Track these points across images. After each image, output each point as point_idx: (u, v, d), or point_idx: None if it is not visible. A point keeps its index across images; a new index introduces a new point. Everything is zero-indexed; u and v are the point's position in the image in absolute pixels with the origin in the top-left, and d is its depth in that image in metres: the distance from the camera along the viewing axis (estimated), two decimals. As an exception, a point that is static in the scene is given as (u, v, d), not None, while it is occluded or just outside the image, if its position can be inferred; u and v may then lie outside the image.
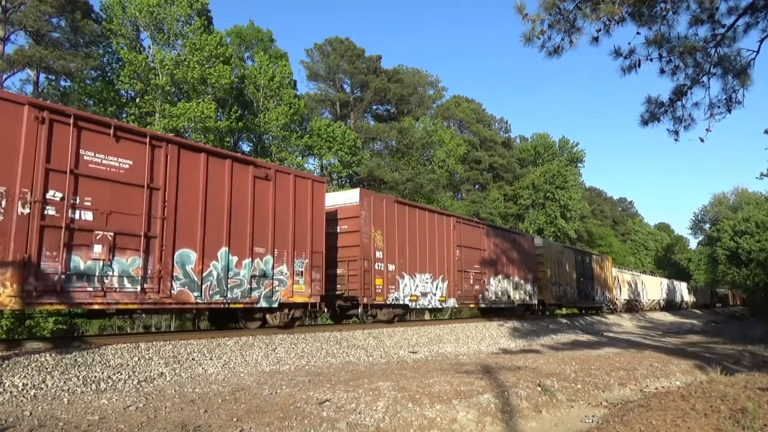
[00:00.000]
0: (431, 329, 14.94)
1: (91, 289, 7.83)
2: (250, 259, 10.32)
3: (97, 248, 7.95)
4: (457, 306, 17.30)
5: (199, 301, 9.30)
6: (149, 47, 23.62)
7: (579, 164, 57.93)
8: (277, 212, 11.02)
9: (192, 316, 17.53)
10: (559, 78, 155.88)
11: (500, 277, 19.53)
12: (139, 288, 8.40)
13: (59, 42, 22.65)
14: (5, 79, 21.77)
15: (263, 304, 10.59)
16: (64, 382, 6.63)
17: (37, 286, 7.23)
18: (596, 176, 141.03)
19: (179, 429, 5.10)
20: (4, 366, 6.57)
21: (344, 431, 5.48)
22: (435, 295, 15.87)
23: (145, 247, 8.53)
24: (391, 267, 14.24)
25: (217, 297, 9.63)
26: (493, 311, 20.75)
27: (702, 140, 9.37)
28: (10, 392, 6.07)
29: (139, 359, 7.85)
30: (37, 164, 7.45)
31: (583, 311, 29.22)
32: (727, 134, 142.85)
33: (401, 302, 14.50)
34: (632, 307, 36.60)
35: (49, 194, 7.54)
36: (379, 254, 13.87)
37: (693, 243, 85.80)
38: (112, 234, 8.14)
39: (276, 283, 10.85)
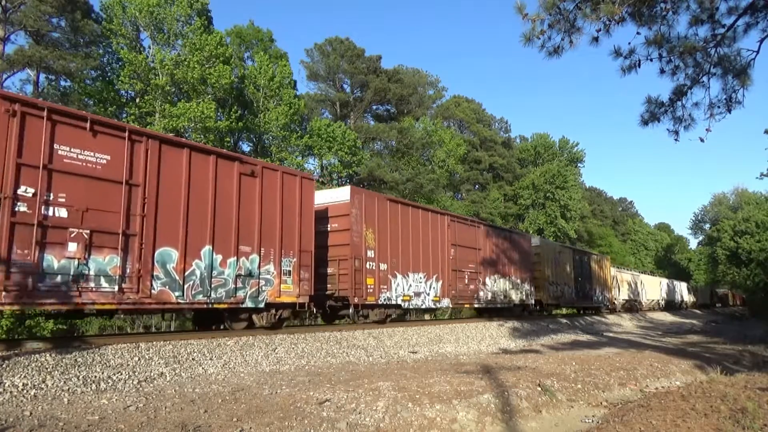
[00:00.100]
0: (431, 329, 14.94)
1: (65, 288, 7.55)
2: (236, 257, 10.04)
3: (72, 246, 7.66)
4: (451, 306, 17.09)
5: (180, 301, 9.04)
6: (149, 47, 23.63)
7: (579, 164, 57.95)
8: (264, 210, 10.75)
9: (191, 317, 17.43)
10: (559, 78, 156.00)
11: (496, 276, 19.35)
12: (116, 288, 8.12)
13: (59, 42, 22.65)
14: (5, 79, 21.79)
15: (249, 304, 10.32)
16: (64, 382, 6.63)
17: (7, 286, 6.98)
18: (596, 176, 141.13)
19: (179, 429, 5.10)
20: (4, 366, 6.57)
21: (344, 431, 5.49)
22: (429, 295, 15.66)
23: (123, 246, 8.27)
24: (383, 266, 13.99)
25: (200, 297, 9.36)
26: (489, 311, 20.59)
27: (702, 140, 9.37)
28: (10, 392, 6.07)
29: (139, 359, 7.85)
30: (7, 159, 7.18)
31: (582, 311, 29.14)
32: (727, 134, 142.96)
33: (394, 302, 14.26)
34: (631, 307, 36.49)
35: (21, 190, 7.27)
36: (370, 253, 13.63)
37: (693, 243, 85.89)
38: (88, 232, 7.85)
39: (262, 282, 10.57)
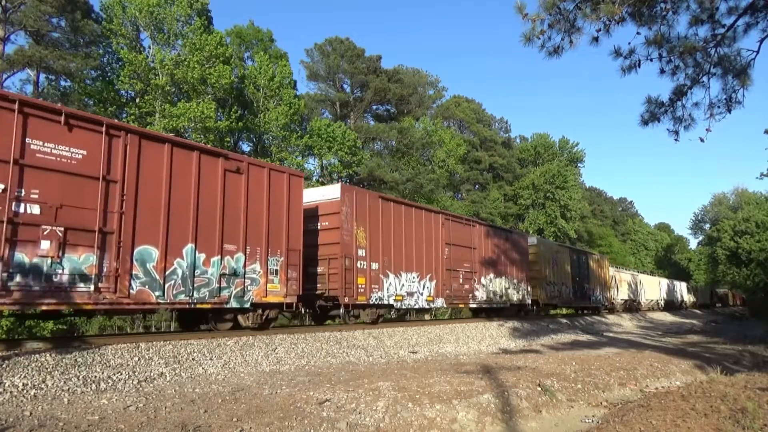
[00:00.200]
0: (431, 329, 14.94)
1: (37, 288, 7.28)
2: (220, 256, 9.80)
3: (45, 244, 7.40)
4: (446, 306, 16.86)
5: (161, 301, 8.80)
6: (149, 47, 23.62)
7: (579, 164, 57.94)
8: (250, 207, 10.50)
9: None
10: (559, 78, 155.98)
11: (492, 276, 19.13)
12: (92, 287, 7.86)
13: (59, 42, 22.65)
14: (5, 79, 21.79)
15: (234, 304, 10.07)
16: (64, 382, 6.63)
17: None
18: (596, 176, 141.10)
19: (179, 429, 5.10)
20: (4, 366, 6.57)
21: (344, 431, 5.48)
22: (422, 294, 15.42)
23: (100, 244, 8.01)
24: (375, 265, 13.75)
25: (182, 297, 9.11)
26: (485, 311, 20.40)
27: (702, 140, 9.37)
28: (10, 392, 6.07)
29: (139, 359, 7.85)
30: (-25, 153, 6.89)
31: (583, 311, 29.05)
32: (727, 134, 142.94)
33: (385, 302, 14.00)
34: (630, 307, 36.35)
35: (-10, 186, 6.98)
36: (361, 252, 13.38)
37: (693, 243, 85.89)
38: (62, 229, 7.58)
39: (248, 282, 10.33)
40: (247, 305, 10.35)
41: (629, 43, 8.96)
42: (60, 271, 7.54)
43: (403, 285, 14.67)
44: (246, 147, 29.77)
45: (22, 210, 7.31)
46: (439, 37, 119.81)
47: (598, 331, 22.73)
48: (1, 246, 7.01)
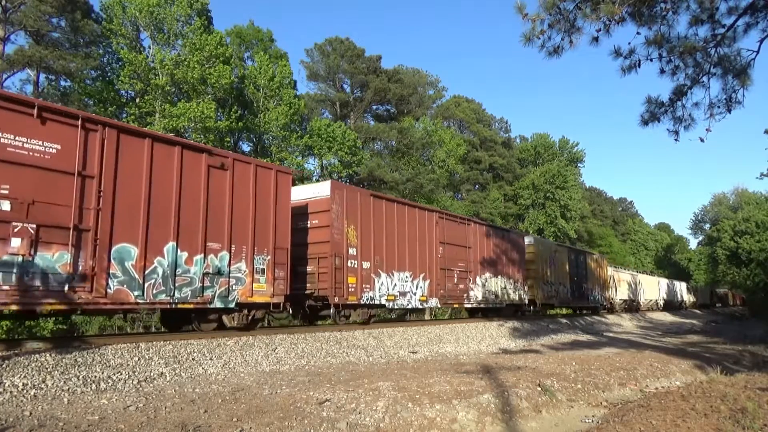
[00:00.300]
0: (431, 329, 14.93)
1: (7, 287, 6.99)
2: (203, 255, 9.49)
3: (16, 242, 7.12)
4: (440, 306, 16.60)
5: (140, 300, 8.51)
6: (149, 47, 23.62)
7: (579, 164, 57.95)
8: (235, 204, 10.21)
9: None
10: (559, 78, 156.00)
11: (488, 275, 18.89)
12: (67, 287, 7.57)
13: (59, 42, 22.66)
14: (5, 79, 21.79)
15: (218, 304, 9.77)
16: (64, 382, 6.63)
17: None
18: (596, 176, 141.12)
19: (179, 429, 5.10)
20: (4, 366, 6.57)
21: (344, 431, 5.48)
22: (415, 294, 15.15)
23: (75, 242, 7.72)
24: (366, 265, 13.47)
25: (163, 296, 8.82)
26: (480, 311, 20.20)
27: (702, 140, 9.37)
28: (10, 392, 6.07)
29: (139, 359, 7.85)
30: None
31: (583, 311, 28.94)
32: (727, 134, 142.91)
33: (377, 302, 13.71)
34: (629, 307, 36.20)
35: (-44, 181, 6.72)
36: (352, 251, 13.09)
37: (693, 243, 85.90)
38: (34, 226, 7.29)
39: (233, 281, 10.03)
40: (232, 305, 10.08)
41: (629, 43, 8.98)
42: (32, 270, 7.26)
43: (395, 285, 14.42)
44: (246, 147, 29.78)
45: (-10, 206, 6.99)
46: (439, 37, 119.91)
47: (597, 331, 22.73)
48: None
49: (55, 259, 7.54)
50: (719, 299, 69.86)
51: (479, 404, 6.65)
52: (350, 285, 12.90)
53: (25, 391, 6.16)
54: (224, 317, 10.49)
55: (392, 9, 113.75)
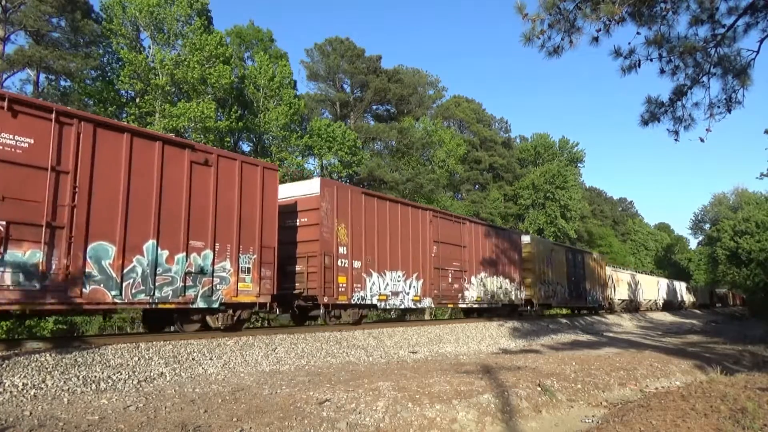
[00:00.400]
0: (431, 329, 14.93)
1: None
2: (185, 253, 9.21)
3: None
4: (433, 306, 16.33)
5: (118, 300, 8.24)
6: (149, 47, 23.63)
7: (579, 164, 57.97)
8: (219, 202, 9.92)
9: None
10: (559, 78, 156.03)
11: (483, 275, 18.62)
12: (38, 286, 7.30)
13: (59, 42, 22.67)
14: (5, 79, 21.80)
15: (201, 304, 9.48)
16: (64, 382, 6.63)
17: None
18: (596, 176, 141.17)
19: (179, 429, 5.10)
20: (4, 366, 6.57)
21: (344, 431, 5.49)
22: (408, 294, 14.87)
23: (48, 239, 7.44)
24: (357, 264, 13.19)
25: (142, 296, 8.55)
26: (475, 312, 19.96)
27: (702, 140, 9.38)
28: (10, 392, 6.07)
29: (139, 359, 7.85)
30: None
31: (578, 311, 28.74)
32: (727, 134, 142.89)
33: (368, 302, 13.43)
34: (628, 307, 35.99)
35: None
36: (342, 250, 12.80)
37: (693, 243, 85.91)
38: (3, 223, 7.05)
39: (217, 280, 9.76)
40: (216, 305, 9.81)
41: (629, 43, 8.98)
42: (1, 269, 7.02)
43: (387, 284, 14.15)
44: (246, 147, 29.79)
45: (-44, 202, 6.74)
46: (439, 37, 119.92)
47: (597, 331, 22.74)
48: None
49: (27, 257, 7.28)
50: (719, 299, 69.88)
51: (479, 404, 6.65)
52: (340, 284, 12.64)
53: (25, 391, 6.17)
54: (208, 317, 10.23)
55: (392, 9, 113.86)
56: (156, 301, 8.81)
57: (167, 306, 9.06)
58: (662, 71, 9.52)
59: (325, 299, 12.18)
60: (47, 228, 7.48)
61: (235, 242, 10.20)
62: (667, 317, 38.24)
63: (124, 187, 8.49)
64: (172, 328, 10.63)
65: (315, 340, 10.97)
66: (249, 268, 10.42)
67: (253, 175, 10.76)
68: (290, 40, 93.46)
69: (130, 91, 23.60)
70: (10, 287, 7.11)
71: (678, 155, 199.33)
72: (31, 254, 7.32)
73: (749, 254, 46.36)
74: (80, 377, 6.85)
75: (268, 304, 10.81)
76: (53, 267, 7.54)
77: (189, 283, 9.29)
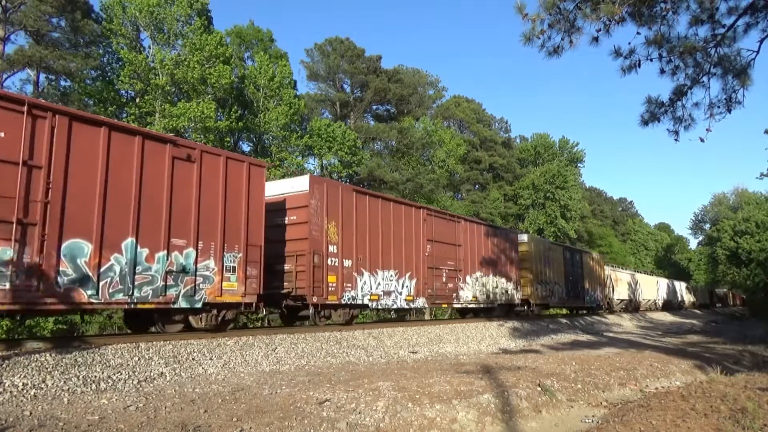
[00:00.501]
0: (431, 329, 14.93)
1: None
2: (166, 251, 8.92)
3: None
4: (427, 306, 16.10)
5: (94, 300, 7.94)
6: (149, 47, 23.64)
7: (579, 164, 58.01)
8: (203, 199, 9.61)
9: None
10: (559, 78, 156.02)
11: (478, 274, 18.32)
12: (8, 284, 7.03)
13: (59, 42, 22.68)
14: (5, 79, 21.80)
15: (183, 304, 9.18)
16: (64, 382, 6.63)
17: None
18: (596, 176, 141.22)
19: (179, 429, 5.10)
20: (4, 366, 6.57)
21: (344, 431, 5.49)
22: (401, 294, 14.58)
23: (19, 236, 7.18)
24: (348, 263, 12.89)
25: (120, 296, 8.25)
26: (471, 312, 19.74)
27: (702, 140, 9.39)
28: (10, 392, 6.07)
29: (139, 359, 7.85)
30: None
31: (578, 311, 28.57)
32: (727, 134, 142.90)
33: (359, 302, 13.14)
34: (626, 307, 35.81)
35: None
36: (332, 248, 12.50)
37: (693, 243, 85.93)
38: None
39: (200, 280, 9.45)
40: (199, 305, 9.49)
41: (629, 43, 8.99)
42: None
43: (379, 284, 13.86)
44: (246, 147, 29.80)
45: None
46: (439, 37, 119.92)
47: (597, 331, 22.74)
48: None
49: None
50: (719, 299, 69.90)
51: (479, 404, 6.65)
52: (330, 284, 12.37)
53: (25, 391, 6.16)
54: (191, 318, 9.91)
55: (392, 9, 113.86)
56: (135, 300, 8.54)
57: (147, 306, 8.78)
58: (662, 71, 9.53)
59: (315, 299, 11.91)
60: (18, 225, 7.23)
61: (219, 240, 9.90)
62: (667, 317, 38.24)
63: (101, 183, 8.20)
64: (154, 329, 10.35)
65: (315, 340, 10.97)
66: (234, 267, 10.15)
67: (238, 171, 10.47)
68: (290, 40, 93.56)
69: (130, 91, 23.62)
70: None
71: (678, 155, 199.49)
72: (2, 252, 7.07)
73: (749, 254, 46.38)
74: (80, 377, 6.85)
75: (254, 304, 10.55)
76: (24, 265, 7.30)
77: (170, 282, 9.01)
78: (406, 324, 15.98)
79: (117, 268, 8.28)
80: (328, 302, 12.35)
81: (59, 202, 7.68)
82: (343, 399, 6.36)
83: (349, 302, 12.91)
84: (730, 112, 9.57)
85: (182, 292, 9.20)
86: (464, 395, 6.83)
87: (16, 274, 7.17)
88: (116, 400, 6.20)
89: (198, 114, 21.64)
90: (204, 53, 22.91)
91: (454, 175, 43.79)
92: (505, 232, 21.68)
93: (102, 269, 8.08)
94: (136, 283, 8.50)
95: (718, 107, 9.55)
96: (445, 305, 17.33)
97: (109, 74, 23.93)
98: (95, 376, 6.99)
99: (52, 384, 6.50)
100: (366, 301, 13.43)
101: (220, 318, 10.16)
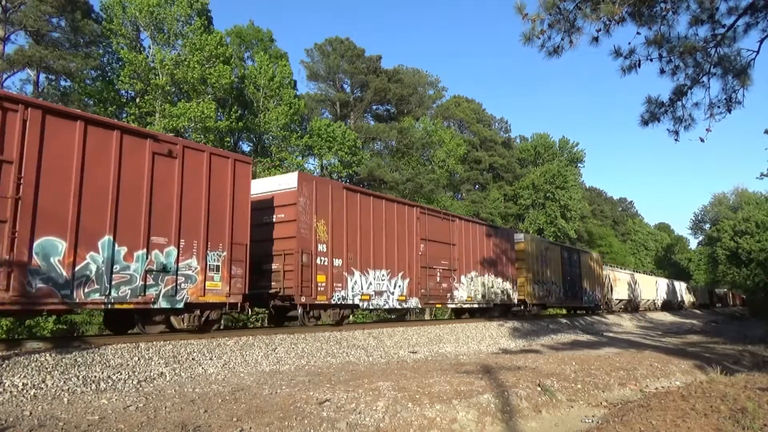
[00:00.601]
0: (431, 329, 14.93)
1: None
2: (145, 250, 8.63)
3: None
4: (420, 306, 15.87)
5: (68, 300, 7.65)
6: (149, 47, 23.65)
7: (579, 164, 58.02)
8: (185, 196, 9.31)
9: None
10: (559, 78, 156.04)
11: (473, 274, 18.05)
12: None
13: (59, 42, 22.68)
14: (5, 79, 21.80)
15: (163, 304, 8.88)
16: (64, 382, 6.63)
17: None
18: (596, 176, 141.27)
19: (179, 429, 5.10)
20: (4, 366, 6.57)
21: (344, 431, 5.49)
22: (393, 294, 14.32)
23: None
24: (338, 262, 12.62)
25: (96, 296, 7.96)
26: (466, 312, 19.55)
27: (702, 140, 9.40)
28: (10, 392, 6.07)
29: (139, 359, 7.85)
30: None
31: (580, 311, 28.51)
32: (727, 134, 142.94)
33: (350, 302, 12.86)
34: (625, 307, 35.65)
35: None
36: (322, 247, 12.22)
37: (693, 243, 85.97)
38: None
39: (181, 279, 9.15)
40: (181, 305, 9.19)
41: (629, 43, 9.00)
42: None
43: (370, 283, 13.57)
44: (246, 147, 29.81)
45: None
46: (439, 37, 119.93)
47: (597, 331, 22.74)
48: None
49: None
50: (719, 299, 69.89)
51: (479, 404, 6.65)
52: (319, 284, 12.08)
53: (25, 391, 6.16)
54: (172, 318, 9.60)
55: (392, 9, 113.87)
56: (112, 301, 8.23)
57: (125, 306, 8.47)
58: (662, 71, 9.54)
59: (303, 299, 11.64)
60: None
61: (202, 238, 9.59)
62: (667, 317, 38.24)
63: (76, 179, 7.87)
64: (135, 330, 10.05)
65: (315, 340, 10.97)
66: (218, 266, 9.83)
67: (223, 167, 10.16)
68: (290, 40, 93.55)
69: (130, 91, 23.63)
70: None
71: (678, 155, 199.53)
72: None
73: (749, 254, 46.41)
74: (80, 377, 6.85)
75: (239, 305, 10.26)
76: None
77: (150, 281, 8.71)
78: (406, 324, 15.98)
79: (93, 267, 7.97)
80: (317, 302, 12.10)
81: (31, 198, 7.40)
82: (343, 399, 6.36)
83: (339, 302, 12.66)
84: (730, 112, 9.59)
85: (163, 291, 8.91)
86: (464, 395, 6.83)
87: None
88: (116, 400, 6.20)
89: (198, 114, 21.65)
90: (204, 53, 22.91)
91: (454, 175, 43.80)
92: (501, 231, 21.41)
93: (77, 268, 7.78)
94: (113, 282, 8.21)
95: (718, 107, 9.56)
96: (439, 305, 17.06)
97: (109, 74, 23.94)
98: (95, 376, 6.99)
99: (52, 384, 6.50)
100: (357, 302, 13.17)
101: (203, 318, 9.89)
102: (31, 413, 5.48)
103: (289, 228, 11.93)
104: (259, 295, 11.66)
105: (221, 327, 11.80)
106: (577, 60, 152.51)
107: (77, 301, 7.80)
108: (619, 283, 35.44)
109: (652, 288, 43.09)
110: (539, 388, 7.71)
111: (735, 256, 48.51)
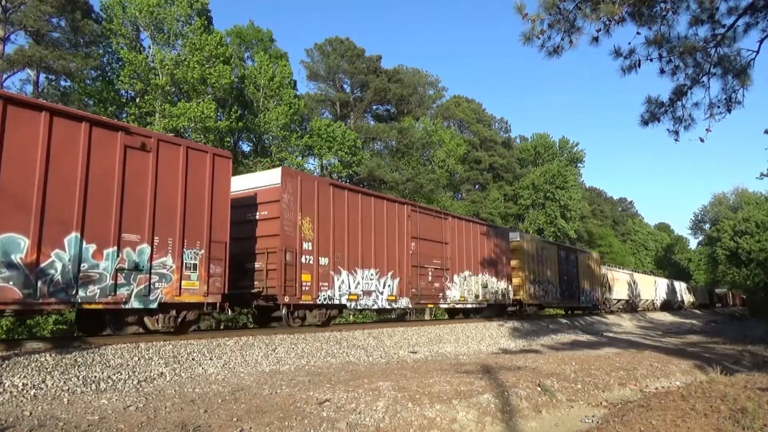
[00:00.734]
0: (431, 329, 14.94)
1: None
2: (116, 247, 8.26)
3: None
4: (411, 306, 15.64)
5: (31, 300, 7.30)
6: (149, 47, 23.63)
7: (579, 164, 58.02)
8: (159, 191, 8.96)
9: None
10: (559, 78, 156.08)
11: (467, 274, 17.76)
12: None
13: (59, 42, 22.67)
14: (5, 79, 21.79)
15: (135, 304, 8.52)
16: (64, 382, 6.63)
17: None
18: (596, 176, 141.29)
19: (179, 429, 5.10)
20: (4, 366, 6.57)
21: (344, 431, 5.49)
22: (382, 293, 14.00)
23: None
24: (324, 261, 12.29)
25: (62, 295, 7.61)
26: (460, 312, 19.27)
27: (702, 140, 9.40)
28: (10, 392, 6.07)
29: (139, 359, 7.86)
30: None
31: (578, 312, 28.40)
32: (727, 134, 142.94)
33: (336, 302, 12.55)
34: (623, 307, 35.52)
35: None
36: (307, 245, 11.89)
37: (693, 243, 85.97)
38: None
39: (155, 278, 8.79)
40: (154, 305, 8.84)
41: (629, 43, 9.00)
42: None
43: (358, 283, 13.23)
44: (246, 147, 29.82)
45: None
46: (439, 37, 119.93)
47: (597, 331, 22.74)
48: None
49: None
50: (719, 299, 69.91)
51: (479, 404, 6.66)
52: (304, 283, 11.71)
53: (25, 391, 6.17)
54: (146, 319, 9.27)
55: (392, 9, 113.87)
56: (79, 300, 7.85)
57: (93, 306, 8.10)
58: (662, 71, 9.54)
59: (286, 299, 11.26)
60: None
61: (178, 236, 9.20)
62: (666, 317, 38.23)
63: (40, 174, 7.50)
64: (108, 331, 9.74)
65: (315, 340, 10.98)
66: (195, 265, 9.45)
67: (201, 162, 9.76)
68: (290, 40, 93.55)
69: (130, 91, 23.61)
70: None
71: (678, 155, 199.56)
72: None
73: (749, 254, 46.43)
74: (80, 377, 6.85)
75: (218, 305, 9.90)
76: None
77: (121, 280, 8.34)
78: (406, 324, 15.97)
79: (58, 266, 7.62)
80: (301, 302, 11.76)
81: None
82: (343, 399, 6.36)
83: (325, 302, 12.32)
84: (730, 112, 9.59)
85: (135, 291, 8.55)
86: (464, 395, 6.83)
87: None
88: (116, 400, 6.20)
89: (198, 114, 21.64)
90: (204, 53, 22.90)
91: (454, 175, 43.80)
92: (496, 230, 21.04)
93: (41, 266, 7.42)
94: (80, 281, 7.83)
95: (718, 107, 9.56)
96: (431, 305, 16.80)
97: (109, 74, 23.93)
98: (95, 376, 6.99)
99: (52, 384, 6.50)
100: (344, 301, 12.85)
101: (180, 319, 9.52)
102: (31, 413, 5.48)
103: (273, 225, 11.61)
104: (241, 295, 11.36)
105: (199, 328, 11.35)
106: (577, 60, 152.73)
107: (41, 300, 7.47)
108: (618, 283, 35.25)
109: (651, 288, 43.00)
110: (539, 388, 7.71)
111: (735, 256, 48.53)
